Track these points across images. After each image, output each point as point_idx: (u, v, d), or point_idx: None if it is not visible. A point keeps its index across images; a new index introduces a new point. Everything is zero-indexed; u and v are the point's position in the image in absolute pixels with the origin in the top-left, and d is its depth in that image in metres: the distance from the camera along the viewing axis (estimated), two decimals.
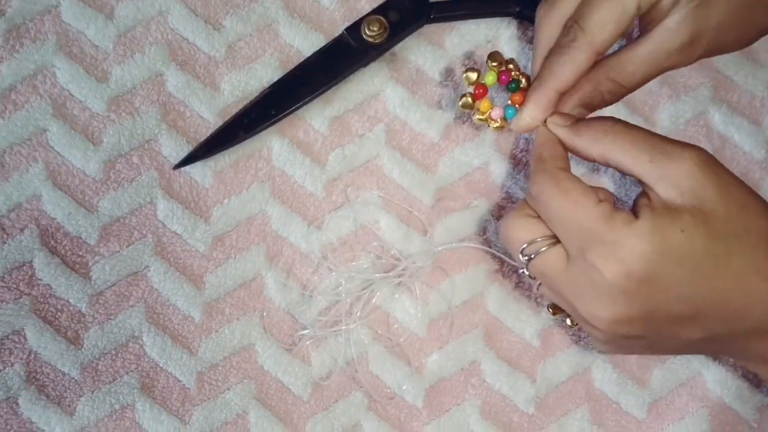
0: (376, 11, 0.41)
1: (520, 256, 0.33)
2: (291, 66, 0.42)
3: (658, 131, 0.42)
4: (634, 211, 0.31)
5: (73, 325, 0.40)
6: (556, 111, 0.35)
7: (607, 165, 0.33)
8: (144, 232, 0.41)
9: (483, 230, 0.42)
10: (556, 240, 0.33)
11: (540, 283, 0.35)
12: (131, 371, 0.39)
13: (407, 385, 0.40)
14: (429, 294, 0.41)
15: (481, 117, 0.37)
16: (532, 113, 0.35)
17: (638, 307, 0.31)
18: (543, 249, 0.33)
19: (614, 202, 0.33)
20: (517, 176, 0.42)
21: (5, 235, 0.40)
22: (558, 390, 0.41)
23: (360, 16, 0.42)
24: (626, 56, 0.34)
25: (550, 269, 0.33)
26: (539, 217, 0.33)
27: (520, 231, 0.34)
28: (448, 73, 0.42)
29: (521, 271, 0.35)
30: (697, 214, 0.30)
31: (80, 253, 0.40)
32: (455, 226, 0.42)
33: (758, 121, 0.44)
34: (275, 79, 0.41)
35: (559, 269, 0.33)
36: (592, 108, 0.35)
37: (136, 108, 0.41)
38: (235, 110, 0.41)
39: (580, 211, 0.31)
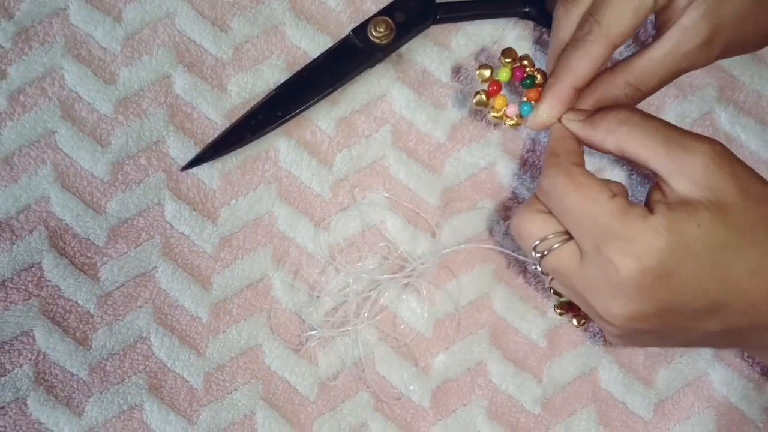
0: (382, 12, 0.42)
1: (533, 252, 0.33)
2: (298, 67, 0.42)
3: None
4: (648, 207, 0.31)
5: (81, 326, 0.40)
6: (570, 108, 0.35)
7: (623, 156, 0.33)
8: (152, 233, 0.41)
9: (490, 230, 0.42)
10: (568, 236, 0.32)
11: (552, 278, 0.35)
12: (139, 372, 0.40)
13: (414, 386, 0.40)
14: (435, 294, 0.41)
15: (496, 114, 0.37)
16: (548, 110, 0.35)
17: (655, 304, 0.31)
18: (556, 246, 0.33)
19: (628, 197, 0.33)
20: (524, 176, 0.42)
21: (14, 237, 0.40)
22: (564, 390, 0.41)
23: (366, 17, 0.42)
24: (644, 60, 0.34)
25: (564, 266, 0.33)
26: (551, 212, 0.33)
27: (532, 227, 0.33)
28: (459, 70, 0.42)
29: (533, 267, 0.34)
30: (713, 208, 0.30)
31: (88, 255, 0.40)
32: (462, 227, 0.42)
33: (765, 121, 0.43)
34: (282, 81, 0.42)
35: (572, 266, 0.32)
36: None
37: (143, 110, 0.42)
38: (242, 112, 0.41)
39: (595, 206, 0.31)
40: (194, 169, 0.41)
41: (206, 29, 0.42)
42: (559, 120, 0.35)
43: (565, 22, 0.35)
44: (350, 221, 0.41)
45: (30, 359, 0.39)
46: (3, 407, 0.39)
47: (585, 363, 0.41)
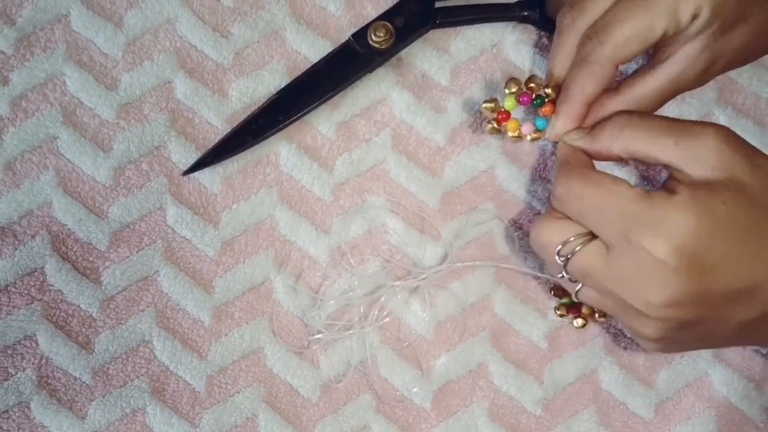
0: (382, 17, 0.42)
1: (557, 258, 0.33)
2: (298, 72, 0.42)
3: None
4: (669, 191, 0.31)
5: (84, 330, 0.40)
6: (572, 129, 0.36)
7: (633, 159, 0.33)
8: (154, 237, 0.41)
9: (492, 233, 0.42)
10: (590, 236, 0.32)
11: (579, 288, 0.34)
12: (142, 375, 0.40)
13: (416, 388, 0.40)
14: (437, 297, 0.41)
15: (513, 135, 0.38)
16: (564, 124, 0.36)
17: (692, 287, 0.30)
18: (578, 248, 0.32)
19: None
20: (524, 179, 0.42)
21: (17, 242, 0.40)
22: (565, 391, 0.41)
23: (366, 22, 0.42)
24: (646, 85, 0.35)
25: (591, 266, 0.32)
26: (568, 218, 0.33)
27: (552, 234, 0.33)
28: (469, 104, 0.43)
29: (560, 275, 0.34)
30: (733, 187, 0.30)
31: (91, 259, 0.41)
32: (462, 230, 0.42)
33: (763, 123, 0.44)
34: (282, 86, 0.42)
35: (599, 264, 0.32)
36: None
37: (145, 115, 0.42)
38: (243, 116, 0.42)
39: (617, 197, 0.31)
40: (196, 174, 0.41)
41: (207, 35, 0.43)
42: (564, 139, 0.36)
43: (572, 31, 0.36)
44: (351, 225, 0.42)
45: (33, 363, 0.39)
46: (6, 411, 0.39)
47: (586, 364, 0.41)
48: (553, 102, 0.37)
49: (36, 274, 0.40)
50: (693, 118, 0.43)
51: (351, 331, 0.40)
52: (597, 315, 0.39)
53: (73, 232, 0.41)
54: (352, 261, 0.41)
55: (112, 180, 0.41)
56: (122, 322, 0.40)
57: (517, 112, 0.39)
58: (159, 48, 0.43)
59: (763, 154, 0.32)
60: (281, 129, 0.41)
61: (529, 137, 0.38)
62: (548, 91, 0.37)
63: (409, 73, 0.43)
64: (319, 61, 0.42)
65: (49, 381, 0.39)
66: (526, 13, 0.42)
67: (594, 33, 0.35)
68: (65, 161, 0.41)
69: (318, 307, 0.41)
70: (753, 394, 0.41)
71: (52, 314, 0.40)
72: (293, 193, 0.42)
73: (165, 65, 0.42)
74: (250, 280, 0.41)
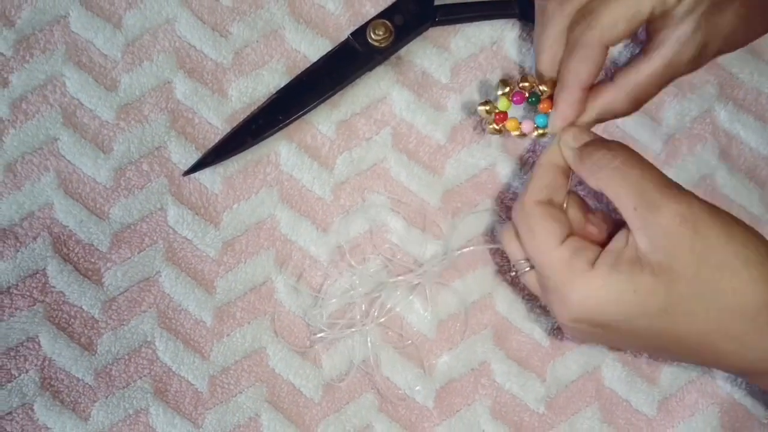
0: (381, 15, 0.42)
1: (513, 267, 0.37)
2: (297, 71, 0.42)
3: (664, 130, 0.43)
4: (600, 255, 0.33)
5: (86, 332, 0.40)
6: (571, 125, 0.36)
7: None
8: (155, 238, 0.41)
9: (493, 230, 0.42)
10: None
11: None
12: (144, 376, 0.40)
13: (418, 386, 0.40)
14: (438, 295, 0.41)
15: (516, 133, 0.38)
16: (563, 114, 0.36)
17: (592, 339, 0.36)
18: (526, 269, 0.36)
19: (587, 230, 0.35)
20: (524, 177, 0.42)
21: (18, 244, 0.40)
22: (568, 389, 0.41)
23: (365, 20, 0.42)
24: (642, 72, 0.35)
25: (531, 285, 0.37)
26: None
27: (509, 248, 0.37)
28: (467, 106, 0.43)
29: (513, 273, 0.38)
30: (662, 275, 0.31)
31: (92, 260, 0.41)
32: (463, 228, 0.42)
33: (764, 118, 0.44)
34: (282, 85, 0.42)
35: (537, 289, 0.36)
36: (612, 117, 0.37)
37: (145, 116, 0.42)
38: (243, 116, 0.41)
39: (542, 255, 0.34)
40: (196, 174, 0.41)
41: (206, 35, 0.43)
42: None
43: (558, 18, 0.36)
44: (353, 223, 0.42)
45: (36, 365, 0.39)
46: (10, 413, 0.39)
47: (588, 362, 0.41)
48: (550, 97, 0.37)
49: (38, 275, 0.40)
50: (694, 113, 0.43)
51: (353, 329, 0.40)
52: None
53: (74, 233, 0.41)
54: (353, 260, 0.41)
55: (113, 181, 0.41)
56: (124, 323, 0.40)
57: (519, 110, 0.39)
58: (158, 48, 0.42)
59: (726, 243, 0.31)
60: (281, 128, 0.41)
61: (534, 134, 0.38)
62: (543, 87, 0.37)
63: (409, 72, 0.43)
64: (319, 60, 0.42)
65: (52, 382, 0.39)
66: (525, 10, 0.42)
67: (582, 17, 0.35)
68: (66, 162, 0.41)
69: (319, 306, 0.41)
70: (756, 390, 0.41)
71: (54, 316, 0.40)
72: (294, 192, 0.42)
73: (164, 65, 0.42)
74: (251, 280, 0.41)
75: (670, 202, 0.31)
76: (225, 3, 0.43)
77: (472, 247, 0.41)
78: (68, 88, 0.42)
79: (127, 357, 0.40)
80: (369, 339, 0.40)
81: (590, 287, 0.32)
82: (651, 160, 0.42)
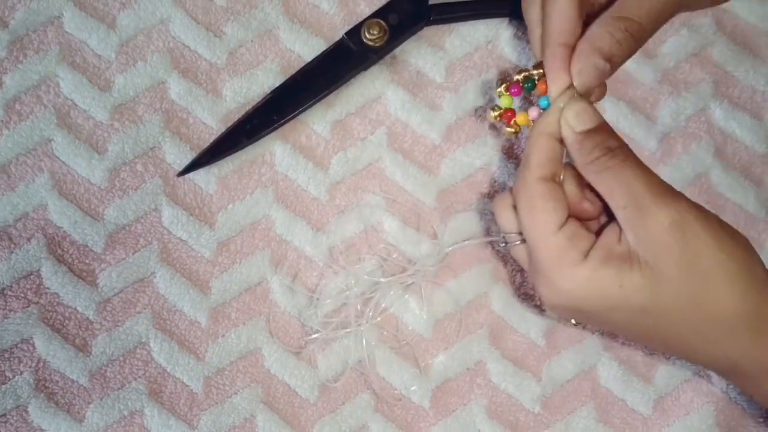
0: (375, 15, 0.42)
1: (503, 237, 0.37)
2: (292, 71, 0.42)
3: (660, 128, 0.43)
4: (597, 242, 0.33)
5: (81, 333, 0.40)
6: (574, 97, 0.34)
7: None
8: (149, 239, 0.41)
9: (488, 230, 0.42)
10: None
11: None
12: (139, 377, 0.40)
13: (414, 386, 0.40)
14: (434, 295, 0.41)
15: (529, 126, 0.37)
16: (555, 75, 0.34)
17: (571, 317, 0.37)
18: (517, 243, 0.36)
19: (583, 206, 0.34)
20: None
21: (13, 245, 0.40)
22: (564, 388, 0.41)
23: (360, 20, 0.42)
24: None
25: (520, 259, 0.37)
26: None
27: (502, 220, 0.36)
28: (480, 111, 0.43)
29: (503, 245, 0.38)
30: (648, 275, 0.32)
31: (87, 261, 0.40)
32: (459, 227, 0.42)
33: (759, 116, 0.44)
34: (277, 85, 0.42)
35: (526, 262, 0.36)
36: (612, 58, 0.33)
37: (139, 116, 0.42)
38: (237, 116, 0.41)
39: (538, 237, 0.34)
40: (191, 175, 0.41)
41: (200, 35, 0.43)
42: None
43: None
44: (348, 223, 0.42)
45: (30, 366, 0.39)
46: (4, 415, 0.39)
47: (584, 361, 0.41)
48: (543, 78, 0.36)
49: (32, 277, 0.40)
50: (689, 111, 0.43)
51: (348, 330, 0.40)
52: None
53: (68, 234, 0.41)
54: (348, 260, 0.41)
55: (107, 182, 0.41)
56: (119, 324, 0.40)
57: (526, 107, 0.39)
58: (152, 48, 0.42)
59: (715, 252, 0.31)
60: (276, 128, 0.41)
61: None
62: (534, 72, 0.36)
63: (404, 71, 0.43)
64: (313, 59, 0.42)
65: (46, 384, 0.39)
66: (519, 9, 0.42)
67: None
68: (60, 163, 0.41)
69: (315, 306, 0.41)
70: None
71: (48, 317, 0.40)
72: (289, 192, 0.42)
73: (158, 66, 0.42)
74: (246, 281, 0.41)
75: (660, 206, 0.31)
76: (219, 3, 0.43)
77: (466, 241, 0.41)
78: (62, 89, 0.42)
79: (121, 358, 0.40)
80: (364, 339, 0.40)
81: (579, 278, 0.32)
82: (646, 159, 0.42)
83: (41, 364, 0.39)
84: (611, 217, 0.34)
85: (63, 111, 0.42)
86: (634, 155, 0.33)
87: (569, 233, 0.33)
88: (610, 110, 0.43)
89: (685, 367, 0.41)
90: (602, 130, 0.34)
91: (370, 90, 0.43)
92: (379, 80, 0.43)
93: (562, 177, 0.35)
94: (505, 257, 0.42)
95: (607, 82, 0.40)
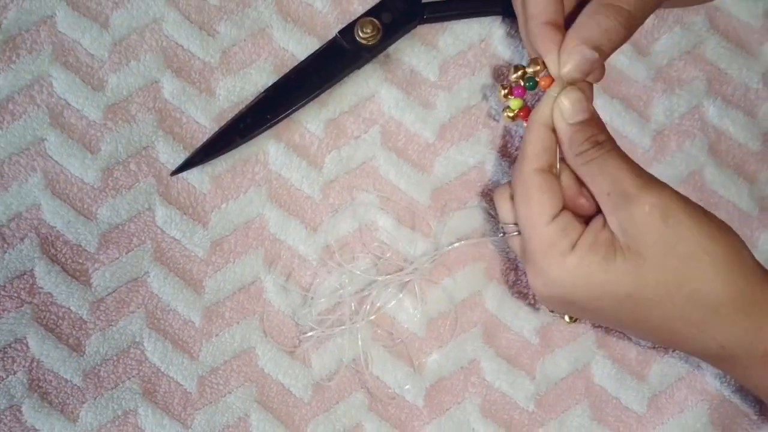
0: (369, 13, 0.42)
1: (501, 226, 0.38)
2: (285, 70, 0.42)
3: (653, 126, 0.43)
4: (585, 230, 0.33)
5: (74, 332, 0.40)
6: (569, 85, 0.34)
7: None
8: (143, 238, 0.41)
9: (482, 228, 0.42)
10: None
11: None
12: (133, 377, 0.40)
13: (408, 385, 0.40)
14: (428, 293, 0.41)
15: None
16: (552, 61, 0.34)
17: (561, 310, 0.37)
18: (514, 233, 0.37)
19: (578, 202, 0.34)
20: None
21: (6, 245, 0.40)
22: (558, 387, 0.41)
23: (353, 18, 0.42)
24: None
25: (515, 249, 0.38)
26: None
27: (501, 210, 0.37)
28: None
29: (501, 234, 0.39)
30: (631, 260, 0.32)
31: (80, 261, 0.40)
32: (453, 226, 0.42)
33: (753, 113, 0.44)
34: (270, 84, 0.42)
35: (520, 252, 0.37)
36: (600, 47, 0.33)
37: (132, 115, 0.42)
38: (230, 115, 0.41)
39: (532, 227, 0.34)
40: (184, 174, 0.41)
41: (193, 34, 0.43)
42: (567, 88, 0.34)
43: None
44: (341, 222, 0.42)
45: (24, 366, 0.39)
46: None
47: (578, 359, 0.41)
48: (547, 75, 0.36)
49: (25, 276, 0.40)
50: (683, 109, 0.43)
51: (342, 328, 0.40)
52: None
53: (62, 234, 0.41)
54: (342, 258, 0.41)
55: (101, 181, 0.41)
56: (113, 323, 0.40)
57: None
58: (145, 48, 0.42)
59: (700, 237, 0.32)
60: (269, 127, 0.41)
61: None
62: (530, 70, 0.36)
63: (397, 69, 0.43)
64: (307, 58, 0.42)
65: (40, 384, 0.39)
66: (512, 7, 0.42)
67: None
68: (53, 163, 0.41)
69: (309, 305, 0.40)
70: None
71: (42, 317, 0.40)
72: (282, 191, 0.42)
73: (152, 65, 0.42)
74: (240, 280, 0.41)
75: (642, 192, 0.32)
76: (212, 2, 0.43)
77: (461, 242, 0.41)
78: (55, 89, 0.42)
79: (115, 358, 0.40)
80: (359, 338, 0.40)
81: (566, 267, 0.33)
82: (640, 156, 0.43)
83: (35, 363, 0.39)
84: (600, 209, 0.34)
85: (56, 110, 0.42)
86: (619, 148, 0.34)
87: (562, 224, 0.33)
88: (604, 108, 0.43)
89: (679, 364, 0.41)
90: (593, 122, 0.34)
91: (364, 88, 0.43)
92: (372, 79, 0.43)
93: (558, 168, 0.35)
94: (499, 255, 0.42)
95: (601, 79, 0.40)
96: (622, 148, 0.42)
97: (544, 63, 0.36)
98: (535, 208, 0.34)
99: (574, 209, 0.35)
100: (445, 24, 0.43)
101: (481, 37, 0.43)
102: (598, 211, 0.34)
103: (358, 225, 0.42)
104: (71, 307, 0.40)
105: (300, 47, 0.43)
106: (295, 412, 0.40)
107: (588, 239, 0.33)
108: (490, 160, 0.42)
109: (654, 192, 0.32)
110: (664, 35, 0.44)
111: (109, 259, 0.41)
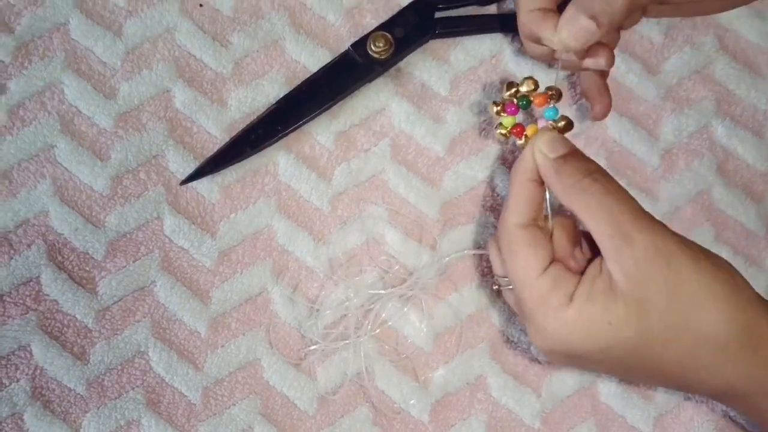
0: (381, 27, 0.42)
1: (494, 280, 0.38)
2: (297, 82, 0.42)
3: (662, 145, 0.43)
4: (581, 280, 0.33)
5: (79, 341, 0.40)
6: (546, 136, 0.34)
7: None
8: (151, 247, 0.41)
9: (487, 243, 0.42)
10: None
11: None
12: (137, 387, 0.39)
13: (413, 400, 0.40)
14: (435, 308, 0.41)
15: None
16: (547, 33, 0.35)
17: (568, 365, 0.36)
18: (508, 288, 0.36)
19: (569, 263, 0.34)
20: None
21: (13, 251, 0.40)
22: (564, 404, 0.40)
23: (366, 32, 0.42)
24: None
25: (511, 303, 0.37)
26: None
27: (493, 263, 0.37)
28: (483, 125, 0.43)
29: (496, 288, 0.40)
30: (633, 305, 0.31)
31: (87, 269, 0.40)
32: (461, 240, 0.42)
33: (761, 134, 0.44)
34: (282, 95, 0.42)
35: (516, 307, 0.37)
36: (598, 18, 0.33)
37: (143, 124, 0.42)
38: (241, 126, 0.41)
39: (521, 282, 0.34)
40: (193, 183, 0.41)
41: (206, 44, 0.43)
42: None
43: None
44: (349, 235, 0.41)
45: (27, 374, 0.39)
46: (0, 422, 0.38)
47: (584, 377, 0.41)
48: (541, 96, 0.36)
49: (31, 283, 0.40)
50: (691, 129, 0.43)
51: (348, 341, 0.40)
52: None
53: (69, 241, 0.40)
54: (349, 271, 0.41)
55: (110, 189, 0.41)
56: (118, 332, 0.40)
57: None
58: (158, 57, 0.42)
59: (700, 277, 0.31)
60: (280, 139, 0.41)
61: (558, 127, 0.36)
62: (524, 89, 0.36)
63: (409, 83, 0.43)
64: (319, 70, 0.42)
65: (43, 392, 0.39)
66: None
67: None
68: (62, 170, 0.41)
69: (315, 317, 0.40)
70: None
71: (46, 324, 0.40)
72: (291, 203, 0.42)
73: (164, 74, 0.42)
74: (247, 291, 0.41)
75: (644, 234, 0.31)
76: (225, 13, 0.43)
77: (462, 252, 0.41)
78: (66, 96, 0.42)
79: (119, 367, 0.40)
80: (363, 351, 0.40)
81: (566, 320, 0.32)
82: (648, 175, 0.43)
83: (38, 371, 0.39)
84: (593, 256, 0.34)
85: (67, 117, 0.42)
86: (614, 179, 0.33)
87: (554, 276, 0.33)
88: (613, 126, 0.43)
89: None
90: (577, 154, 0.34)
91: (375, 102, 0.43)
92: (383, 92, 0.43)
93: (551, 224, 0.35)
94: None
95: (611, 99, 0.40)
96: (631, 167, 0.43)
97: (536, 82, 0.36)
98: (521, 262, 0.33)
99: (566, 265, 0.34)
100: (457, 39, 0.43)
101: (492, 53, 0.44)
102: (590, 260, 0.34)
103: (366, 238, 0.42)
104: (77, 315, 0.40)
105: (312, 59, 0.43)
106: (299, 425, 0.40)
107: (585, 289, 0.32)
108: (499, 175, 0.42)
109: (656, 233, 0.31)
110: (674, 55, 0.44)
111: (116, 268, 0.40)
